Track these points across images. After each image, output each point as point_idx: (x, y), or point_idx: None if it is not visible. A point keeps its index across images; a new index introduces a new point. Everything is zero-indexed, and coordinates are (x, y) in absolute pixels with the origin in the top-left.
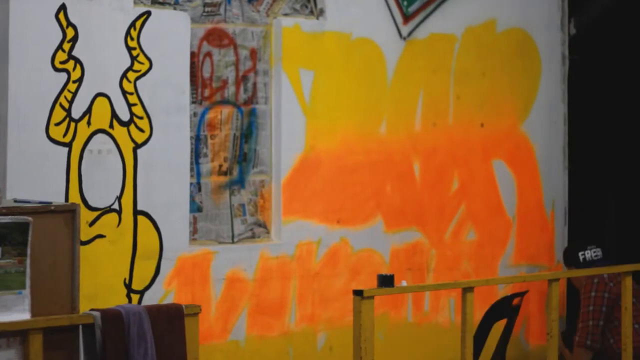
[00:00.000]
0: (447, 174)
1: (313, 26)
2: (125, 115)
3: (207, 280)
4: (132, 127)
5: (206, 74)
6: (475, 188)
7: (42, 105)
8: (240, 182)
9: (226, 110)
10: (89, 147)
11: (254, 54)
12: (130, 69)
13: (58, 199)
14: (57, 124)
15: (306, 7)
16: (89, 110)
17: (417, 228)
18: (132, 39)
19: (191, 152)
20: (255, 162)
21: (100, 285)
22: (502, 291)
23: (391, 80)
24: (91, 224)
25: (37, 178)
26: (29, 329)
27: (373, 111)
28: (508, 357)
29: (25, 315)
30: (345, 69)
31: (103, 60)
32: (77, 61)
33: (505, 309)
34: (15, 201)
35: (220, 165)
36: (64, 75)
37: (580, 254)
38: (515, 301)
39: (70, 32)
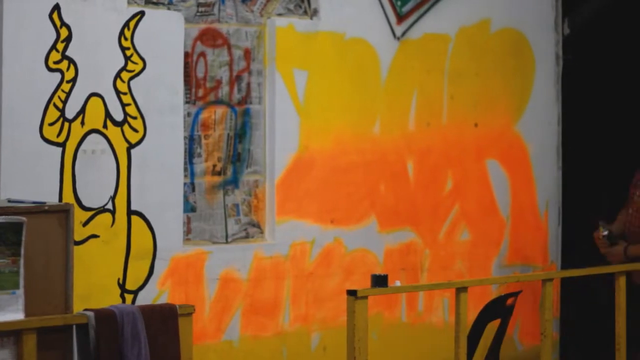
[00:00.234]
0: (441, 173)
1: (307, 26)
2: (119, 115)
3: (201, 280)
4: (125, 127)
5: (200, 74)
6: (469, 188)
7: (36, 105)
8: (234, 182)
9: (220, 110)
10: (82, 147)
11: (247, 54)
12: (124, 69)
13: (52, 199)
14: (51, 124)
15: (300, 7)
16: (82, 110)
17: (411, 228)
18: (125, 39)
19: (185, 152)
20: (249, 162)
21: (93, 285)
22: (496, 291)
23: (385, 80)
24: (85, 224)
25: (31, 178)
26: (22, 329)
27: (367, 111)
28: (501, 357)
29: (19, 315)
30: (339, 69)
31: (97, 60)
32: (71, 61)
33: (498, 309)
34: (9, 201)
35: (214, 165)
36: (58, 75)
37: None
38: (509, 301)
39: (64, 32)
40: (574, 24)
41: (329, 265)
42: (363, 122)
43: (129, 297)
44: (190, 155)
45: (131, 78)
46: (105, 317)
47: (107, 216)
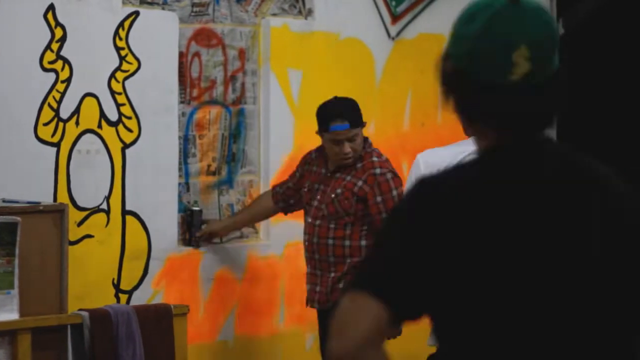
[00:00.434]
0: None
1: (301, 26)
2: (113, 115)
3: (196, 281)
4: (120, 127)
5: (194, 74)
6: None
7: (31, 106)
8: (229, 182)
9: (214, 111)
10: (77, 147)
11: (242, 54)
12: (118, 69)
13: (46, 199)
14: (46, 124)
15: (294, 7)
16: (77, 111)
17: None
18: (120, 39)
19: (179, 152)
20: (244, 162)
21: (88, 285)
22: None
23: (379, 80)
24: (79, 224)
25: (26, 178)
26: (17, 329)
27: (361, 111)
28: None
29: (14, 315)
30: (334, 69)
31: (91, 60)
32: (66, 61)
33: None
34: (4, 201)
35: (209, 166)
36: (53, 75)
37: None
38: None
39: (58, 32)
40: (569, 24)
41: None
42: None
43: (123, 297)
44: (184, 155)
45: (126, 78)
46: (99, 317)
47: (101, 216)
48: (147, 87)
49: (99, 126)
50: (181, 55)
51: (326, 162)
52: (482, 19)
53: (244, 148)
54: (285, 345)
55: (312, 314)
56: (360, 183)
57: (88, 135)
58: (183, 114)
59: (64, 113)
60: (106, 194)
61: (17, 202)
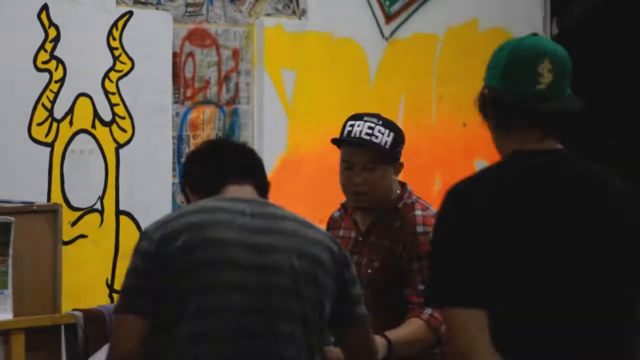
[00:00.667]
0: (430, 174)
1: (295, 26)
2: (107, 115)
3: None
4: (114, 127)
5: (188, 74)
6: None
7: (24, 106)
8: None
9: (208, 111)
10: (71, 147)
11: (236, 54)
12: (112, 69)
13: (40, 199)
14: (40, 124)
15: (288, 7)
16: (71, 110)
17: None
18: (114, 39)
19: (173, 152)
20: None
21: (82, 285)
22: None
23: (373, 80)
24: (73, 224)
25: (19, 178)
26: (11, 329)
27: (355, 111)
28: None
29: (7, 316)
30: (328, 69)
31: (85, 61)
32: (59, 61)
33: None
34: None
35: None
36: (46, 76)
37: None
38: None
39: (52, 32)
40: (563, 24)
41: None
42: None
43: (117, 297)
44: (178, 155)
45: (119, 78)
46: (93, 317)
47: (95, 216)
48: (140, 87)
49: (93, 126)
50: (175, 55)
51: (355, 221)
52: (509, 46)
53: None
54: None
55: None
56: (400, 249)
57: (82, 135)
58: (177, 114)
59: (58, 113)
60: (100, 194)
61: (10, 202)
